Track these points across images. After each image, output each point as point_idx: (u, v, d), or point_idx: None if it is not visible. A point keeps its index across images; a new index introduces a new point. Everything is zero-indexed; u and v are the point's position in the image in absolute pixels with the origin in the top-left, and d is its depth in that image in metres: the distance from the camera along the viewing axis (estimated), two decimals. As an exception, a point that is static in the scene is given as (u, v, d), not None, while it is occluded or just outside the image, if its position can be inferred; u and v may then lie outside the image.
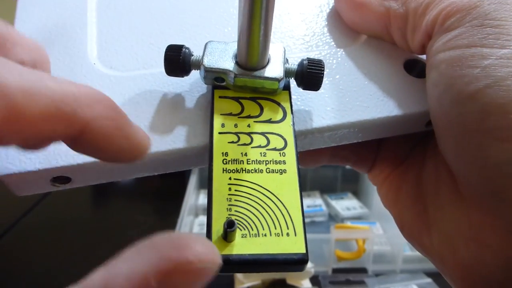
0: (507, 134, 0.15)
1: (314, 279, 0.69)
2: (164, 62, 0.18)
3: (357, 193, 0.93)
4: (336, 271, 0.72)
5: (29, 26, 0.22)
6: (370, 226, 0.76)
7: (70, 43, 0.21)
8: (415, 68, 0.21)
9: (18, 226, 0.79)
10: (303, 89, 0.19)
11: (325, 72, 0.19)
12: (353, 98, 0.20)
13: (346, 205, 0.86)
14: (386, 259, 0.74)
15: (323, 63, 0.18)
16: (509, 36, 0.16)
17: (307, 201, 0.88)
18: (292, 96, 0.19)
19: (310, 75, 0.18)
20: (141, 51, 0.21)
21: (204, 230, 0.15)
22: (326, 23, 0.23)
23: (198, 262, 0.10)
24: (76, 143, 0.13)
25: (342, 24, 0.23)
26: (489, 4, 0.17)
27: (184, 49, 0.18)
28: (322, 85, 0.19)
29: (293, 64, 0.19)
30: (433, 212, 0.19)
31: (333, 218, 0.86)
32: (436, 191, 0.20)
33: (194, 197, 0.84)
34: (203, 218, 0.81)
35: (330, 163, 0.25)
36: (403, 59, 0.21)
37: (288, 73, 0.18)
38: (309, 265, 0.67)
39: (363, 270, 0.73)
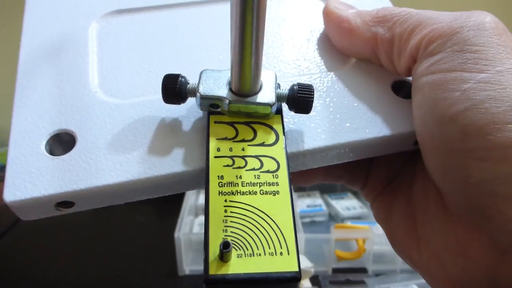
0: (487, 154, 0.16)
1: (314, 279, 0.70)
2: (162, 91, 0.19)
3: (357, 193, 0.93)
4: (336, 271, 0.73)
5: (33, 53, 0.23)
6: (370, 226, 0.76)
7: (72, 73, 0.22)
8: (402, 89, 0.22)
9: (18, 226, 0.79)
10: (295, 112, 0.20)
11: (315, 95, 0.20)
12: (343, 119, 0.21)
13: (346, 205, 0.87)
14: (386, 259, 0.74)
15: (313, 87, 0.19)
16: (487, 61, 0.17)
17: (307, 201, 0.88)
18: (284, 119, 0.20)
19: (300, 99, 0.19)
20: (140, 79, 0.22)
21: (204, 230, 0.16)
22: (317, 47, 0.24)
23: None
24: None
25: (332, 48, 0.24)
26: (468, 31, 0.18)
27: (180, 78, 0.19)
28: (314, 107, 0.20)
29: (284, 89, 0.19)
30: (422, 228, 0.20)
31: (333, 218, 0.86)
32: (425, 208, 0.20)
33: (194, 197, 0.84)
34: (203, 218, 0.81)
35: (324, 182, 0.26)
36: (391, 81, 0.22)
37: (279, 98, 0.19)
38: (309, 265, 0.67)
39: (363, 270, 0.73)
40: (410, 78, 0.21)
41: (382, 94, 0.22)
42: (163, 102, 0.19)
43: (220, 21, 0.25)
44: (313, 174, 0.25)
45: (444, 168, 0.18)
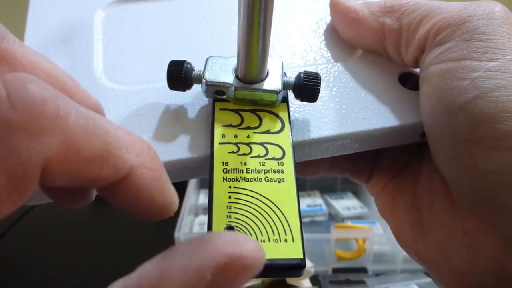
0: (496, 143, 0.16)
1: (314, 279, 0.70)
2: (167, 77, 0.19)
3: (357, 193, 0.93)
4: (336, 270, 0.72)
5: (38, 40, 0.23)
6: (370, 225, 0.76)
7: (77, 59, 0.22)
8: (409, 81, 0.22)
9: (17, 227, 0.79)
10: (301, 101, 0.20)
11: (322, 85, 0.20)
12: (350, 110, 0.21)
13: (346, 204, 0.86)
14: (386, 259, 0.74)
15: (320, 75, 0.19)
16: (497, 49, 0.17)
17: (307, 201, 0.88)
18: (290, 108, 0.20)
19: (307, 87, 0.19)
20: (145, 66, 0.22)
21: (204, 230, 0.16)
22: (323, 38, 0.24)
23: (250, 258, 0.11)
24: (111, 191, 0.13)
25: (339, 39, 0.24)
26: (478, 19, 0.18)
27: (186, 64, 0.19)
28: (320, 97, 0.20)
29: (291, 77, 0.19)
30: (428, 221, 0.20)
31: (333, 217, 0.86)
32: (431, 201, 0.20)
33: (194, 197, 0.84)
34: (203, 218, 0.81)
35: (329, 174, 0.26)
36: (397, 73, 0.22)
37: (286, 85, 0.19)
38: (309, 264, 0.67)
39: (363, 270, 0.73)
40: (417, 70, 0.21)
41: (389, 85, 0.22)
42: (168, 89, 0.19)
43: (226, 11, 0.25)
44: (318, 166, 0.25)
45: (452, 158, 0.17)
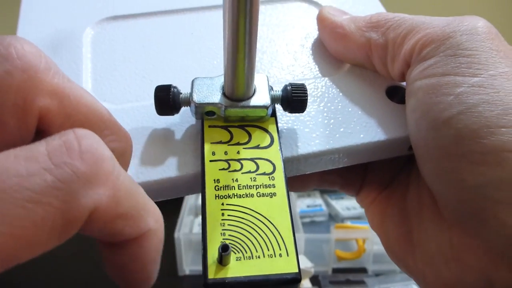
0: (481, 158, 0.16)
1: (314, 279, 0.70)
2: (155, 103, 0.19)
3: (357, 193, 0.93)
4: (336, 271, 0.73)
5: None
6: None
7: None
8: (396, 95, 0.22)
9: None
10: (290, 112, 0.20)
11: (310, 100, 0.20)
12: (338, 124, 0.21)
13: (346, 205, 0.86)
14: (386, 259, 0.73)
15: (305, 86, 0.19)
16: (480, 65, 0.17)
17: (307, 201, 0.88)
18: (278, 124, 0.20)
19: (295, 99, 0.19)
20: (134, 84, 0.22)
21: (201, 227, 0.16)
22: (311, 53, 0.24)
23: None
24: (118, 246, 0.14)
25: (326, 54, 0.24)
26: (461, 35, 0.18)
27: (172, 89, 0.19)
28: (307, 112, 0.21)
29: (278, 90, 0.20)
30: (417, 234, 0.20)
31: (333, 218, 0.86)
32: (419, 213, 0.20)
33: (194, 197, 0.84)
34: (203, 218, 0.81)
35: (319, 187, 0.26)
36: (385, 86, 0.22)
37: (274, 99, 0.19)
38: (309, 265, 0.67)
39: (363, 270, 0.73)
40: (404, 83, 0.21)
41: (377, 99, 0.22)
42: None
43: (214, 27, 0.25)
44: (307, 180, 0.25)
45: (438, 172, 0.18)
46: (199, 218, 0.82)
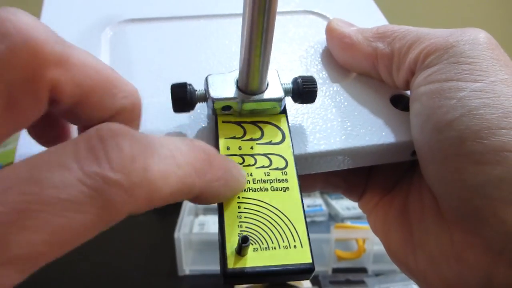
0: (482, 158, 0.17)
1: (314, 279, 0.70)
2: (173, 100, 0.19)
3: (357, 193, 0.93)
4: (336, 271, 0.73)
5: None
6: (370, 226, 0.76)
7: None
8: (400, 103, 0.23)
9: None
10: (300, 103, 0.21)
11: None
12: (344, 127, 0.21)
13: (346, 204, 0.86)
14: (386, 259, 0.73)
15: (314, 78, 0.20)
16: (481, 71, 0.18)
17: (307, 201, 0.88)
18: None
19: (306, 90, 0.20)
20: (149, 82, 0.23)
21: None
22: (320, 61, 0.26)
23: None
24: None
25: (333, 63, 0.25)
26: (463, 44, 0.19)
27: (188, 86, 0.19)
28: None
29: (288, 83, 0.20)
30: (418, 235, 0.21)
31: (333, 217, 0.86)
32: (421, 216, 0.21)
33: (194, 197, 0.84)
34: (203, 218, 0.81)
35: (323, 190, 0.27)
36: (389, 94, 0.23)
37: (286, 91, 0.20)
38: (309, 265, 0.67)
39: (363, 270, 0.73)
40: (408, 92, 0.22)
41: (381, 106, 0.23)
42: (170, 102, 0.20)
43: (228, 34, 0.26)
44: (313, 182, 0.26)
45: (441, 173, 0.18)
46: (199, 218, 0.82)
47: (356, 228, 0.76)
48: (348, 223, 0.80)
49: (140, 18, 0.27)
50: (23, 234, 0.10)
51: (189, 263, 0.72)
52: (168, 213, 0.80)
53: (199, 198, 0.15)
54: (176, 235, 0.68)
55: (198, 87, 0.20)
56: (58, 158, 0.12)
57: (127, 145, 0.12)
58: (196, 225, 0.79)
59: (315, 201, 0.88)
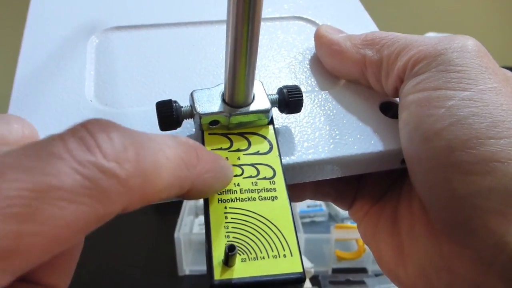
0: (471, 168, 0.16)
1: (314, 279, 0.70)
2: (159, 120, 0.19)
3: (357, 193, 0.93)
4: (336, 271, 0.73)
5: (32, 63, 0.24)
6: (370, 226, 0.76)
7: (69, 82, 0.23)
8: (390, 110, 0.23)
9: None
10: (287, 113, 0.21)
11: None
12: (332, 136, 0.21)
13: (346, 205, 0.86)
14: (386, 259, 0.73)
15: (299, 87, 0.20)
16: (470, 80, 0.18)
17: (307, 201, 0.88)
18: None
19: (292, 101, 0.20)
20: (135, 90, 0.23)
21: (204, 230, 0.16)
22: (308, 68, 0.25)
23: None
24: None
25: (322, 70, 0.25)
26: (452, 52, 0.19)
27: (174, 104, 0.19)
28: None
29: (273, 94, 0.20)
30: (408, 245, 0.21)
31: (333, 218, 0.85)
32: (411, 225, 0.21)
33: (194, 197, 0.84)
34: (203, 218, 0.81)
35: (312, 199, 0.27)
36: (378, 101, 0.23)
37: (272, 102, 0.20)
38: (309, 265, 0.67)
39: (363, 270, 0.73)
40: (397, 99, 0.22)
41: (370, 113, 0.23)
42: (155, 112, 0.19)
43: (215, 41, 0.26)
44: (302, 191, 0.26)
45: (430, 183, 0.18)
46: (199, 218, 0.82)
47: (356, 228, 0.76)
48: (348, 223, 0.80)
49: (126, 25, 0.26)
50: (11, 223, 0.10)
51: (189, 263, 0.72)
52: (168, 213, 0.80)
53: (190, 192, 0.15)
54: (176, 235, 0.68)
55: (186, 95, 0.20)
56: (46, 148, 0.11)
57: (116, 136, 0.12)
58: (196, 225, 0.79)
59: (315, 201, 0.88)
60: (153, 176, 0.13)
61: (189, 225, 0.77)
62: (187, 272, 0.72)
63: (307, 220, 0.83)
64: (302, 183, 0.21)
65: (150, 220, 0.82)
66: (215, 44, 0.26)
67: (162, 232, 0.78)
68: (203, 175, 0.15)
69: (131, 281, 0.70)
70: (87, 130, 0.12)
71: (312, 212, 0.84)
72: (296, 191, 0.25)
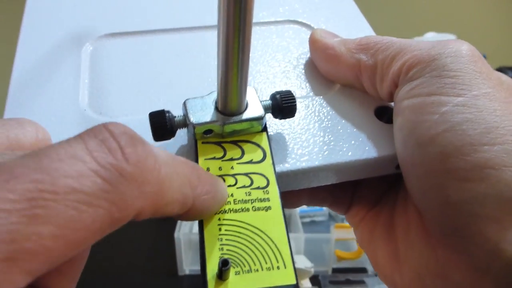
0: (465, 175, 0.16)
1: (314, 279, 0.70)
2: (153, 130, 0.19)
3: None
4: (336, 271, 0.73)
5: (26, 70, 0.24)
6: (370, 225, 0.76)
7: (63, 91, 0.23)
8: (385, 115, 0.23)
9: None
10: (280, 119, 0.20)
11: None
12: (327, 142, 0.21)
13: (346, 204, 0.87)
14: (386, 259, 0.74)
15: (292, 92, 0.20)
16: (464, 85, 0.18)
17: (307, 201, 0.88)
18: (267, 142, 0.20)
19: (285, 106, 0.20)
20: (129, 98, 0.23)
21: (198, 242, 0.16)
22: (303, 73, 0.25)
23: None
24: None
25: (317, 74, 0.25)
26: (446, 57, 0.19)
27: (167, 114, 0.19)
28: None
29: (266, 100, 0.20)
30: (404, 251, 0.20)
31: (333, 217, 0.86)
32: (407, 231, 0.21)
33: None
34: (203, 218, 0.81)
35: (308, 204, 0.27)
36: (373, 106, 0.23)
37: (265, 109, 0.20)
38: (309, 265, 0.67)
39: (363, 270, 0.73)
40: (392, 104, 0.22)
41: (365, 119, 0.22)
42: (149, 123, 0.19)
43: (209, 46, 0.26)
44: (298, 197, 0.26)
45: (424, 189, 0.18)
46: (199, 218, 0.82)
47: (356, 228, 0.76)
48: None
49: (120, 32, 0.26)
50: (31, 224, 0.10)
51: (189, 263, 0.72)
52: (168, 213, 0.80)
53: (189, 212, 0.15)
54: (176, 235, 0.68)
55: (180, 102, 0.19)
56: (67, 150, 0.11)
57: (138, 142, 0.12)
58: (196, 225, 0.79)
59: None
60: (166, 186, 0.13)
61: (189, 225, 0.77)
62: (187, 272, 0.72)
63: (307, 219, 0.83)
64: (297, 189, 0.21)
65: (150, 220, 0.82)
66: (209, 49, 0.26)
67: (162, 232, 0.78)
68: (202, 196, 0.15)
69: (131, 281, 0.71)
70: (109, 132, 0.12)
71: (312, 212, 0.84)
72: (291, 198, 0.25)
